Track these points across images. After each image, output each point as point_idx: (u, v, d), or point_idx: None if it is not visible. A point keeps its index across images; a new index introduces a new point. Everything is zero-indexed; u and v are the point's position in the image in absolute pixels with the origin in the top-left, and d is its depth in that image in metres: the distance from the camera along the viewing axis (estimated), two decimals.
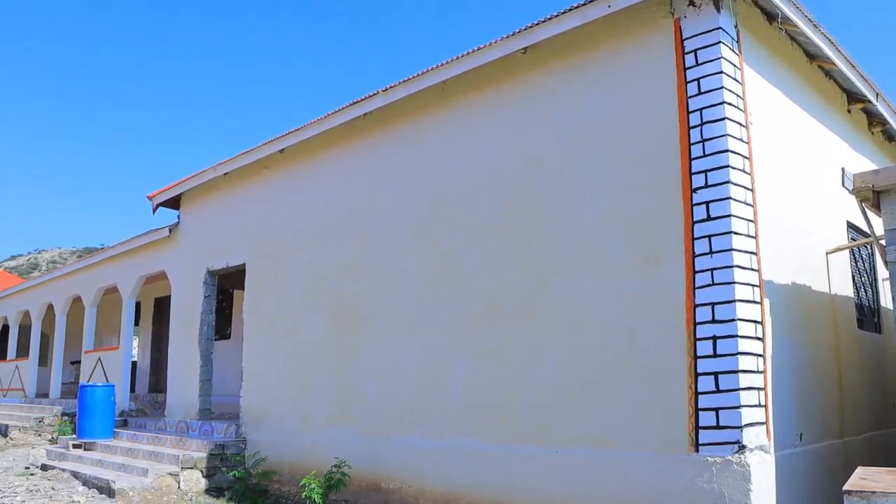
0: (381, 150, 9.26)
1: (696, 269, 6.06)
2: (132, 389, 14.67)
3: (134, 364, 15.63)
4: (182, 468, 9.88)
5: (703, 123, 6.17)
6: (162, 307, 17.71)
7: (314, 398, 9.60)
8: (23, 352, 21.21)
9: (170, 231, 13.18)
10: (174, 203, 13.33)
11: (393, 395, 8.53)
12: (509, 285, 7.48)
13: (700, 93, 6.23)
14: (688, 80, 6.32)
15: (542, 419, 7.00)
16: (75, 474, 10.63)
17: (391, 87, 8.83)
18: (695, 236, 6.10)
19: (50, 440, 14.55)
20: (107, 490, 9.49)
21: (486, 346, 7.61)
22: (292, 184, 10.61)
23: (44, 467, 11.62)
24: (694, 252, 6.09)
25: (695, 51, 6.32)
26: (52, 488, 9.92)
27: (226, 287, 14.25)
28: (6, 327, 22.78)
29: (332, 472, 8.43)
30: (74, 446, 12.18)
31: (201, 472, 10.01)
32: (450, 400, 7.89)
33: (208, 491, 9.88)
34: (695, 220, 6.13)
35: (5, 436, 15.56)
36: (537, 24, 7.24)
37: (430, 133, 8.67)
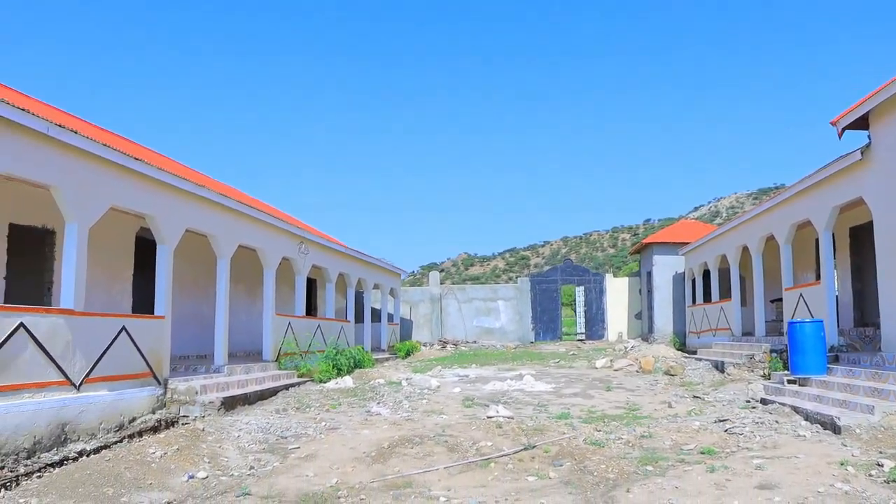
0: None
1: None
2: (836, 324, 14.05)
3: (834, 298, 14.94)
4: None
5: None
6: (858, 236, 16.61)
7: None
8: (724, 293, 22.55)
9: (861, 153, 12.16)
10: (860, 123, 12.26)
11: None
12: None
13: None
14: None
15: None
16: (795, 409, 10.66)
17: None
18: None
19: (762, 375, 15.00)
20: (831, 426, 9.25)
21: None
22: None
23: (763, 401, 11.99)
24: None
25: None
26: (776, 421, 10.12)
27: None
28: (707, 272, 24.50)
29: None
30: (789, 382, 12.24)
31: None
32: None
33: None
34: None
35: (722, 371, 16.66)
36: None
37: None
